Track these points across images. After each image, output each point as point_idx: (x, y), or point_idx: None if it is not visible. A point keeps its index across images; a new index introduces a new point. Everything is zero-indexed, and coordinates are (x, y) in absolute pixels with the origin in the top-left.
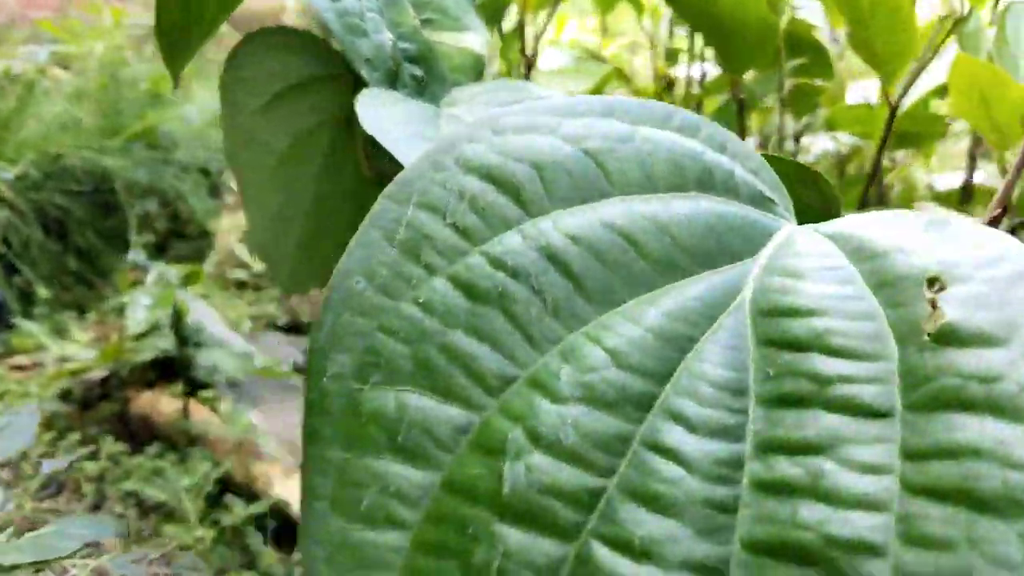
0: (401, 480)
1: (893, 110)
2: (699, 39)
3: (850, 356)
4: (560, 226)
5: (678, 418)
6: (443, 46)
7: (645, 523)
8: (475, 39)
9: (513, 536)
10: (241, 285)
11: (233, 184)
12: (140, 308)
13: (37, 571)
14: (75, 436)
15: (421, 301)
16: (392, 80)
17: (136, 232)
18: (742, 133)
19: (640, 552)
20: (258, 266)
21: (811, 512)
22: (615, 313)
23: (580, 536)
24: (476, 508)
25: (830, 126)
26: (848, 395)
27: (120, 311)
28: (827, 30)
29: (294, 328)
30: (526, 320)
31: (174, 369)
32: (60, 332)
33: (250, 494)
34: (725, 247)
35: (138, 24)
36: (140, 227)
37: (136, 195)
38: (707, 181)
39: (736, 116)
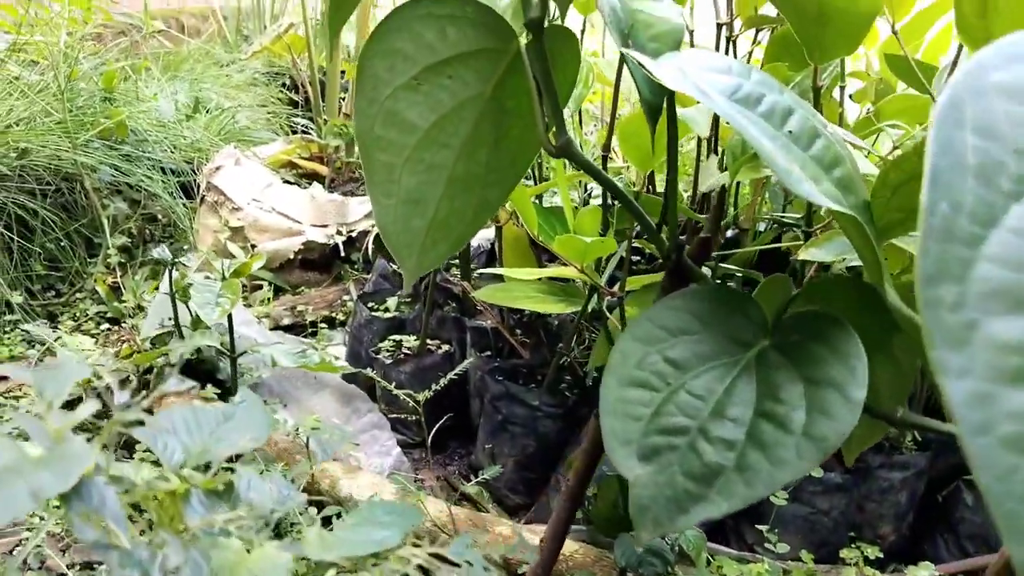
0: None
1: None
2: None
3: None
4: None
5: None
6: (642, 15)
7: None
8: (671, 8)
9: None
10: None
11: (209, 180)
12: (205, 306)
13: (374, 565)
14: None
15: (1015, 228)
16: (624, 38)
17: (108, 233)
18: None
19: None
20: (254, 266)
21: None
22: None
23: None
24: None
25: (877, 117)
26: None
27: (105, 316)
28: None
29: (299, 328)
30: None
31: (193, 371)
32: (34, 341)
33: (315, 494)
34: None
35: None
36: (111, 228)
37: (104, 194)
38: None
39: (815, 101)
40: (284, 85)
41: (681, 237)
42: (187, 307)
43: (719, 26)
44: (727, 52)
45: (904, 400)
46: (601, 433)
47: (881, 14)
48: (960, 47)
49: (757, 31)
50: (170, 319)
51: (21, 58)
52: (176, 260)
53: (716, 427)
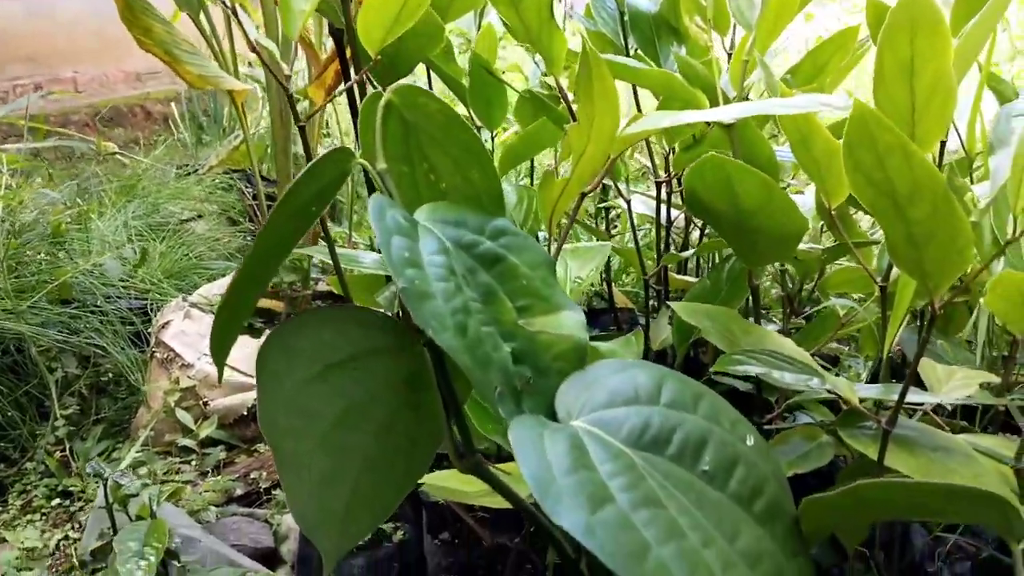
0: None
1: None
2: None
3: None
4: None
5: None
6: (543, 335)
7: None
8: (572, 319)
9: None
10: (186, 450)
11: (158, 337)
12: (129, 560)
13: None
14: None
15: None
16: (517, 398)
17: (57, 396)
18: (757, 315)
19: None
20: (205, 432)
21: None
22: None
23: None
24: None
25: (823, 290)
26: None
27: (53, 493)
28: None
29: (253, 497)
30: None
31: None
32: None
33: None
34: None
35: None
36: (61, 390)
37: (51, 356)
38: None
39: (753, 300)
40: (242, 191)
41: None
42: (126, 514)
43: (658, 184)
44: (668, 205)
45: None
46: None
47: (809, 231)
48: None
49: None
50: (109, 529)
51: None
52: (108, 476)
53: None
